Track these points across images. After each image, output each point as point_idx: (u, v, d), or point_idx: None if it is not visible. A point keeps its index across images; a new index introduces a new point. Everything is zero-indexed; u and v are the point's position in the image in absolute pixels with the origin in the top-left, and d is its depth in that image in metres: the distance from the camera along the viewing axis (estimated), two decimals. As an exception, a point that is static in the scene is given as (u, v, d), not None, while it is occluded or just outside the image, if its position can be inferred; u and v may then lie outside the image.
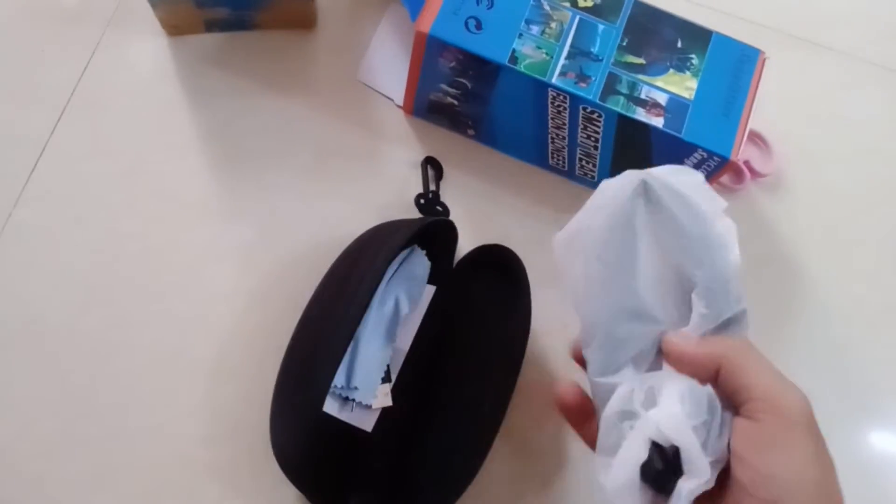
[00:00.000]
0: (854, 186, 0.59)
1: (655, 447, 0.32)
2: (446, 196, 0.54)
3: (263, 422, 0.45)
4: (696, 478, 0.31)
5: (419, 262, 0.51)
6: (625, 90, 0.48)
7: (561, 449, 0.51)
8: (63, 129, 0.54)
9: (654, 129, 0.47)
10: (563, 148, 0.53)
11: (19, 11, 0.57)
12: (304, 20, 0.58)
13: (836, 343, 0.55)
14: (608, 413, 0.34)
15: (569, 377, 0.51)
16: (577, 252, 0.37)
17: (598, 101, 0.47)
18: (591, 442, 0.36)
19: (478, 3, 0.48)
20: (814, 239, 0.58)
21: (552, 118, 0.50)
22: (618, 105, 0.47)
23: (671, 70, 0.48)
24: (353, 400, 0.47)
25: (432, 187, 0.54)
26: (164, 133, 0.55)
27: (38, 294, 0.51)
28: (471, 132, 0.56)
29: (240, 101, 0.56)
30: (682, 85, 0.48)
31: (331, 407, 0.47)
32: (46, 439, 0.48)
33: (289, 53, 0.57)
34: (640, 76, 0.48)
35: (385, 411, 0.48)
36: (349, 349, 0.46)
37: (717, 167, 0.48)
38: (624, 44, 0.49)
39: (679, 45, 0.49)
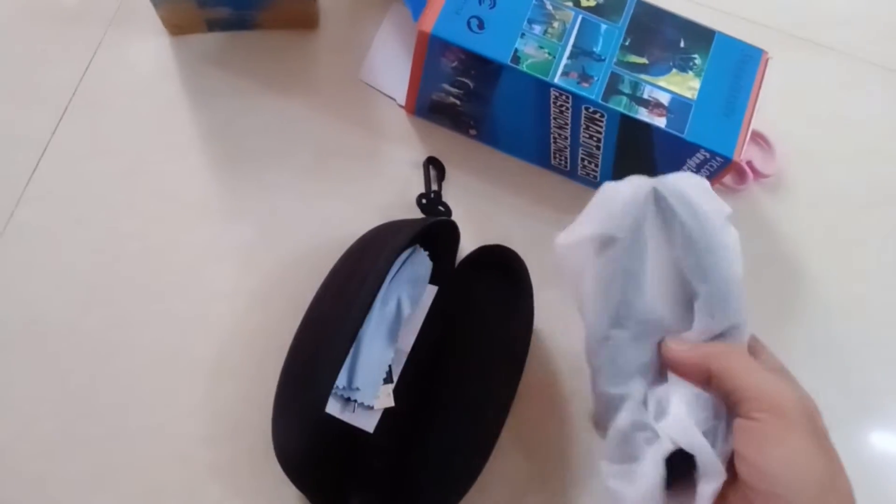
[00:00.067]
0: (855, 186, 0.60)
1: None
2: (448, 196, 0.54)
3: (264, 422, 0.44)
4: (714, 480, 0.33)
5: (421, 263, 0.51)
6: (627, 90, 0.47)
7: (563, 449, 0.51)
8: (65, 129, 0.54)
9: (657, 129, 0.47)
10: (566, 148, 0.53)
11: (20, 11, 0.57)
12: (305, 20, 0.57)
13: (837, 343, 0.55)
14: (620, 425, 0.35)
15: (572, 378, 0.52)
16: (583, 257, 0.38)
17: (600, 101, 0.47)
18: None
19: (480, 3, 0.48)
20: (814, 239, 0.58)
21: (554, 118, 0.50)
22: (620, 105, 0.47)
23: (674, 70, 0.48)
24: (355, 401, 0.47)
25: (434, 187, 0.54)
26: (165, 133, 0.55)
27: (38, 294, 0.51)
28: (473, 132, 0.56)
29: (241, 100, 0.56)
30: (685, 85, 0.48)
31: (333, 408, 0.47)
32: (47, 439, 0.48)
33: (290, 53, 0.57)
34: (643, 76, 0.48)
35: (387, 411, 0.48)
36: (351, 350, 0.46)
37: (720, 167, 0.48)
38: (626, 43, 0.49)
39: (682, 44, 0.49)
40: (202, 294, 0.51)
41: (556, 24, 0.49)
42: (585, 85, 0.47)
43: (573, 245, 0.38)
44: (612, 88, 0.47)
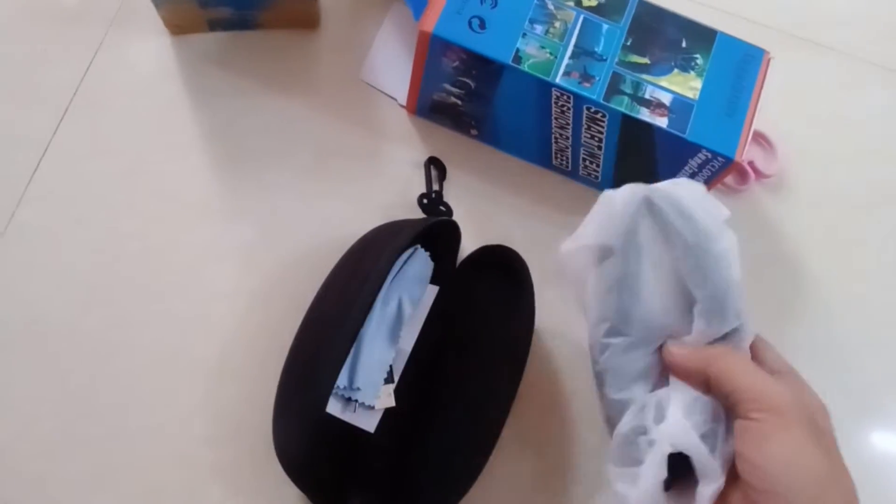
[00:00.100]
0: (855, 186, 0.60)
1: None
2: (449, 196, 0.54)
3: (265, 422, 0.44)
4: (712, 482, 0.34)
5: (422, 263, 0.51)
6: (629, 90, 0.47)
7: (564, 449, 0.51)
8: (65, 129, 0.54)
9: (659, 129, 0.47)
10: (567, 148, 0.53)
11: (21, 11, 0.57)
12: (307, 20, 0.57)
13: (838, 342, 0.55)
14: (623, 429, 0.36)
15: (573, 378, 0.52)
16: (583, 265, 0.39)
17: (602, 101, 0.47)
18: None
19: (481, 3, 0.48)
20: (815, 239, 0.58)
21: (556, 118, 0.50)
22: (622, 105, 0.47)
23: (675, 70, 0.48)
24: (356, 401, 0.47)
25: (435, 187, 0.54)
26: (166, 133, 0.55)
27: (39, 294, 0.50)
28: (474, 132, 0.56)
29: (242, 100, 0.56)
30: (687, 85, 0.48)
31: (334, 408, 0.47)
32: (47, 439, 0.48)
33: (291, 53, 0.57)
34: (645, 76, 0.48)
35: (387, 411, 0.48)
36: (352, 350, 0.46)
37: (722, 168, 0.48)
38: (628, 43, 0.49)
39: (683, 44, 0.49)
40: (202, 294, 0.51)
41: (557, 24, 0.49)
42: (587, 85, 0.47)
43: (574, 253, 0.39)
44: (614, 88, 0.47)
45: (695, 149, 0.47)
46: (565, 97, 0.48)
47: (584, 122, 0.49)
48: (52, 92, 0.55)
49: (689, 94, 0.48)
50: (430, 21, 0.48)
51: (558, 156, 0.55)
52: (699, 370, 0.35)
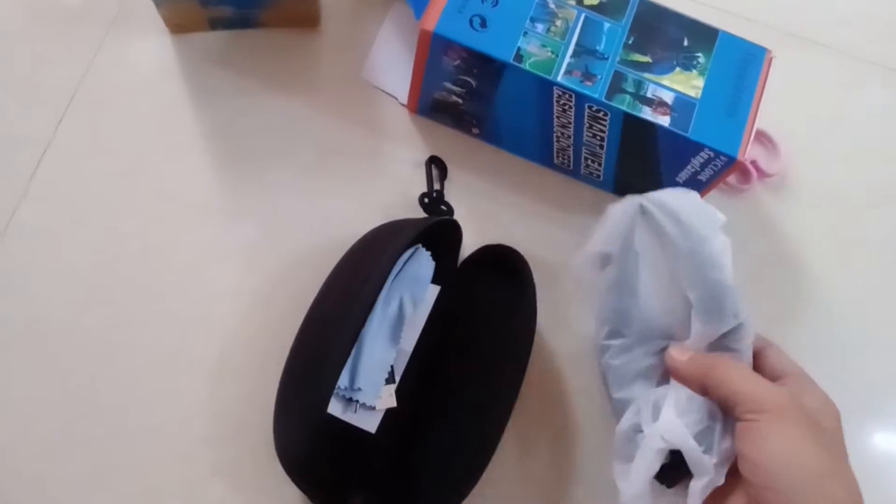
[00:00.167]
0: (855, 186, 0.60)
1: (671, 452, 0.37)
2: (450, 195, 0.54)
3: (266, 422, 0.44)
4: (704, 476, 0.35)
5: (423, 262, 0.50)
6: (631, 89, 0.47)
7: (566, 448, 0.50)
8: (66, 129, 0.54)
9: (661, 128, 0.47)
10: (569, 147, 0.53)
11: (21, 11, 0.57)
12: (308, 18, 0.57)
13: (839, 342, 0.55)
14: (623, 427, 0.39)
15: (575, 378, 0.52)
16: (590, 273, 0.42)
17: (603, 100, 0.47)
18: None
19: (482, 1, 0.48)
20: (816, 239, 0.58)
21: (557, 117, 0.50)
22: (624, 104, 0.47)
23: (677, 68, 0.48)
24: (357, 401, 0.47)
25: (436, 186, 0.54)
26: (166, 132, 0.55)
27: (39, 294, 0.50)
28: (475, 131, 0.56)
29: (243, 99, 0.56)
30: (689, 83, 0.48)
31: (334, 408, 0.46)
32: (47, 439, 0.47)
33: (292, 52, 0.57)
34: (646, 75, 0.48)
35: (388, 411, 0.48)
36: (353, 350, 0.46)
37: (724, 167, 0.48)
38: (630, 42, 0.49)
39: (685, 43, 0.49)
40: (203, 294, 0.51)
41: (558, 23, 0.48)
42: (588, 83, 0.47)
43: (583, 264, 0.42)
44: (616, 87, 0.47)
45: (697, 148, 0.47)
46: (567, 96, 0.48)
47: (585, 120, 0.49)
48: (52, 92, 0.55)
49: (691, 93, 0.48)
50: (431, 20, 0.48)
51: (560, 155, 0.54)
52: (697, 378, 0.37)
